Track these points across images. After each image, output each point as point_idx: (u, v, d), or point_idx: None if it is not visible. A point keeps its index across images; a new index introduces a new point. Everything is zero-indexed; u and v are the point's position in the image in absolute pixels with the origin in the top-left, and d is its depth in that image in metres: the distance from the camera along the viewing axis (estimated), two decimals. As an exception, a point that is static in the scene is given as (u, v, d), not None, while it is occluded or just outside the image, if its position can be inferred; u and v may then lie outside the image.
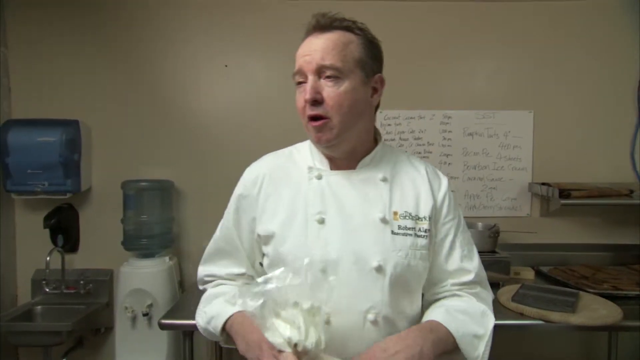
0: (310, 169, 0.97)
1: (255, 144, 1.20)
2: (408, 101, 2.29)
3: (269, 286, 0.79)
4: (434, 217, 0.95)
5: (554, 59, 2.28)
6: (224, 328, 0.95)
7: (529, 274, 2.08)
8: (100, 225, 2.24)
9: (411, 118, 2.30)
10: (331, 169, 0.97)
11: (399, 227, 0.92)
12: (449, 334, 0.86)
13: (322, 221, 0.91)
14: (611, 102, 2.28)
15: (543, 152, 2.30)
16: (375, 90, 0.96)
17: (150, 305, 1.98)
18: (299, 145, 1.05)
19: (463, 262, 0.96)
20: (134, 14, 2.23)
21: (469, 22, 2.27)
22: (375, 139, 1.02)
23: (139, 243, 2.10)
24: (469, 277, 0.96)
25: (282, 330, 0.76)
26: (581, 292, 1.74)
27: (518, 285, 1.82)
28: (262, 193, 0.97)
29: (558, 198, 2.01)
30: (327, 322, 0.85)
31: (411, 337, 0.83)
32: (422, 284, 0.97)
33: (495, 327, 1.63)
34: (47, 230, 2.18)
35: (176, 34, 2.24)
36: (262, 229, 0.96)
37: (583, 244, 2.28)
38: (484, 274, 1.00)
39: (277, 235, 0.93)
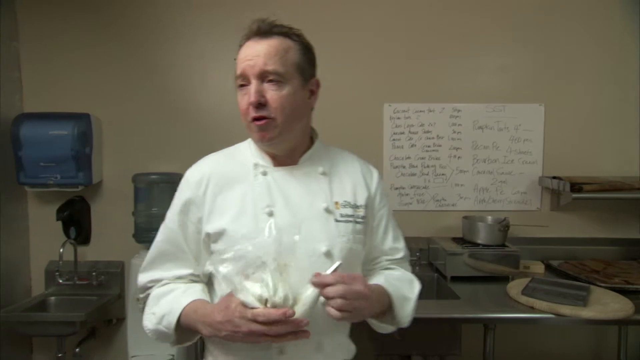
0: (255, 165, 1.02)
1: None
2: (417, 94, 2.28)
3: (238, 250, 0.92)
4: (369, 205, 1.06)
5: (565, 52, 2.25)
6: (178, 324, 0.94)
7: (538, 268, 2.08)
8: (112, 217, 2.26)
9: (420, 111, 2.29)
10: (274, 165, 1.03)
11: (341, 215, 1.01)
12: (388, 295, 0.98)
13: (271, 214, 0.96)
14: (622, 95, 2.25)
15: (554, 145, 2.28)
16: (312, 93, 1.02)
17: (161, 297, 2.01)
18: (239, 145, 1.10)
19: (395, 242, 1.11)
20: (143, 9, 2.24)
21: (478, 15, 2.25)
22: (311, 136, 1.09)
23: (149, 235, 2.09)
24: (400, 254, 1.12)
25: (253, 289, 0.83)
26: (592, 286, 1.74)
27: (528, 279, 1.82)
28: (209, 193, 1.00)
29: (569, 192, 2.00)
30: None
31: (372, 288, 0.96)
32: (360, 265, 1.07)
33: (505, 320, 1.65)
34: (59, 223, 2.21)
35: (186, 29, 2.24)
36: (211, 227, 0.98)
37: (593, 238, 2.27)
38: (408, 252, 1.16)
39: (228, 231, 0.96)
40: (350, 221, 1.01)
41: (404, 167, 2.31)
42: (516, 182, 2.30)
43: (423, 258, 2.23)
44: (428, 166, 2.31)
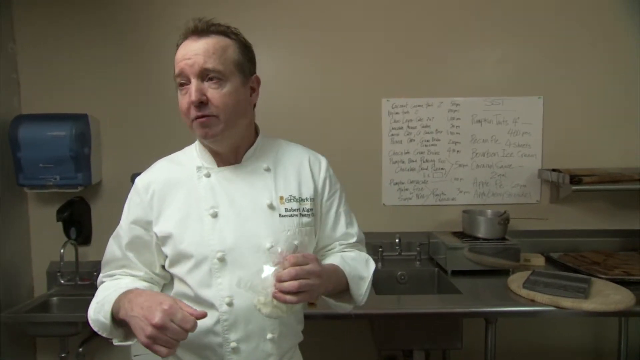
0: (199, 168, 1.03)
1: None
2: (415, 89, 2.28)
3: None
4: (316, 197, 1.07)
5: (562, 44, 2.24)
6: (115, 315, 0.92)
7: (539, 261, 2.09)
8: (112, 217, 2.20)
9: (419, 106, 2.29)
10: (218, 165, 1.03)
11: (286, 210, 1.02)
12: (344, 275, 1.01)
13: (215, 215, 0.97)
14: (621, 87, 2.25)
15: (553, 138, 2.28)
16: (253, 90, 1.03)
17: (163, 296, 2.01)
18: (186, 149, 1.12)
19: (347, 228, 1.12)
20: (142, 7, 2.23)
21: (476, 8, 2.24)
22: (256, 132, 1.08)
23: (150, 235, 2.12)
24: (353, 239, 1.13)
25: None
26: (593, 278, 1.75)
27: (529, 272, 1.83)
28: (155, 198, 1.01)
29: (569, 184, 2.00)
30: (230, 304, 0.95)
31: (326, 267, 0.99)
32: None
33: (506, 313, 1.66)
34: (60, 223, 2.20)
35: (184, 28, 2.23)
36: (159, 230, 1.00)
37: (593, 230, 2.28)
38: (362, 235, 1.16)
39: (174, 235, 0.98)
40: (296, 215, 1.01)
41: (403, 162, 2.31)
42: (515, 175, 2.30)
43: (423, 253, 2.23)
44: (427, 161, 2.31)
